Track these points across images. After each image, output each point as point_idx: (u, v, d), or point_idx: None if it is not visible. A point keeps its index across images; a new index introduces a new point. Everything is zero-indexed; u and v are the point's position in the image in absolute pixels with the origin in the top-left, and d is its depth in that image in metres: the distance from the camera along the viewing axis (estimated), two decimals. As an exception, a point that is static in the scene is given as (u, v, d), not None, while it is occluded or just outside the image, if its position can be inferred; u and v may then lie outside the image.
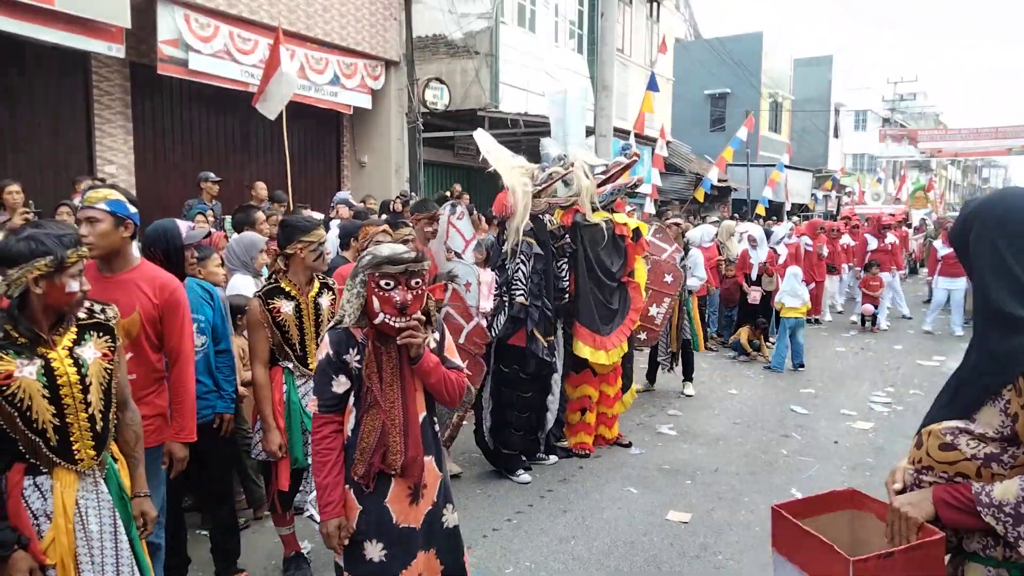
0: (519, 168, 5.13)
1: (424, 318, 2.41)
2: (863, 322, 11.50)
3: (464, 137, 12.80)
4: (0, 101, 8.32)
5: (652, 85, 13.67)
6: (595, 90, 10.48)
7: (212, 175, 8.14)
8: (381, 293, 2.31)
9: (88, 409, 2.21)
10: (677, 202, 19.40)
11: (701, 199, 17.29)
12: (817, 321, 11.67)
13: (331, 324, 2.45)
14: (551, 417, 5.32)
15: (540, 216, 5.16)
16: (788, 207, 26.33)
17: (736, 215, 20.62)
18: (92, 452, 2.23)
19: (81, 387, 2.19)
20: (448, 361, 2.50)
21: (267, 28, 9.98)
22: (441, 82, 12.48)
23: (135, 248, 3.01)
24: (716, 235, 10.12)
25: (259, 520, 4.24)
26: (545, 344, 4.99)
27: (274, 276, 3.46)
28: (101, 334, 2.31)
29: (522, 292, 4.90)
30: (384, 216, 7.76)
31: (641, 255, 5.70)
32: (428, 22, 13.04)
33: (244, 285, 4.50)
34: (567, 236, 5.30)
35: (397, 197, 10.24)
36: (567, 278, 5.30)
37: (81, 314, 2.28)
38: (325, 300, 3.48)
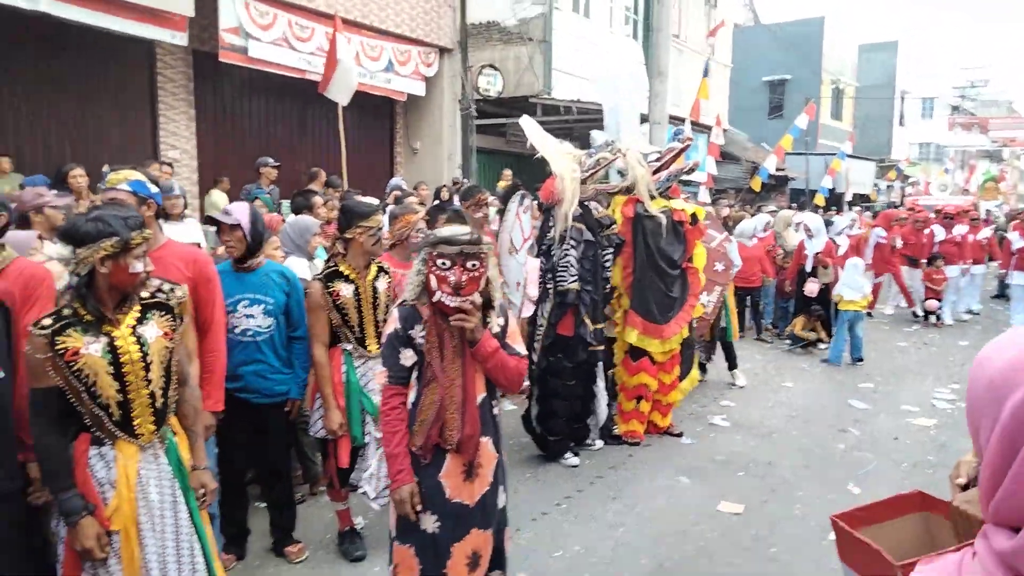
0: (567, 154, 5.09)
1: (479, 301, 2.43)
2: (926, 316, 11.10)
3: (516, 124, 12.74)
4: (69, 89, 8.63)
5: (707, 71, 13.41)
6: (650, 76, 10.31)
7: (271, 160, 8.31)
8: (438, 272, 2.36)
9: (149, 386, 2.28)
10: (732, 191, 19.00)
11: (758, 188, 16.86)
12: (916, 316, 11.27)
13: (399, 300, 2.52)
14: (602, 404, 5.30)
15: (586, 203, 5.12)
16: (849, 197, 25.52)
17: (794, 205, 20.11)
18: (152, 427, 2.31)
19: (143, 365, 2.27)
20: (510, 348, 2.52)
21: (324, 16, 10.11)
22: (494, 69, 12.47)
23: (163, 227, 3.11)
24: (768, 224, 9.86)
25: (315, 495, 4.33)
26: (593, 330, 4.95)
27: (333, 260, 3.51)
28: (163, 313, 2.37)
29: (573, 278, 4.87)
30: (436, 203, 7.80)
31: (700, 239, 5.62)
32: (482, 8, 13.03)
33: (298, 268, 4.58)
34: (614, 225, 5.25)
35: (444, 185, 10.28)
36: (611, 267, 5.27)
37: (144, 293, 2.35)
38: (382, 284, 3.53)
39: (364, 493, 3.47)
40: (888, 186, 30.45)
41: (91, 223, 2.20)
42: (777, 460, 5.18)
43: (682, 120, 12.73)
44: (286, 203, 7.62)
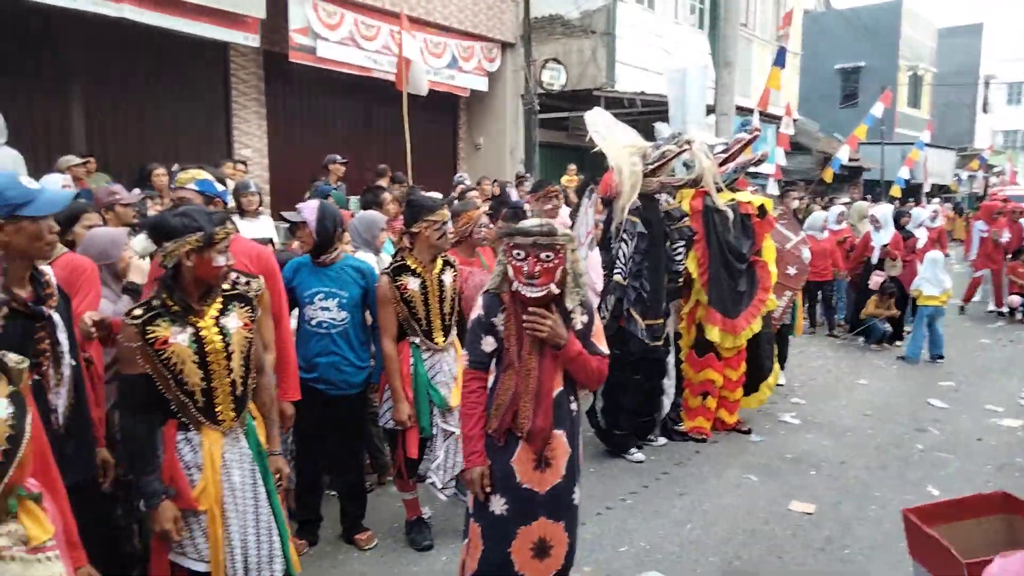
0: (630, 147, 5.00)
1: (554, 292, 2.46)
2: (1011, 312, 10.53)
3: (579, 118, 12.65)
4: (150, 91, 9.01)
5: (779, 60, 13.01)
6: (716, 67, 10.10)
7: (339, 157, 8.49)
8: (514, 262, 2.43)
9: (230, 375, 2.38)
10: (802, 183, 18.45)
11: (829, 180, 16.33)
12: (1000, 314, 10.68)
13: (485, 288, 2.61)
14: (667, 401, 5.24)
15: (655, 196, 5.04)
16: (927, 188, 24.47)
17: (868, 196, 19.39)
18: (233, 414, 2.40)
19: (225, 355, 2.36)
20: (593, 346, 2.55)
21: (389, 14, 10.28)
22: (558, 62, 12.42)
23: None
24: (843, 215, 9.53)
25: (382, 485, 4.41)
26: (643, 326, 4.86)
27: (400, 254, 3.57)
28: (243, 305, 2.46)
29: (619, 271, 4.83)
30: (497, 197, 7.84)
31: (769, 232, 5.47)
32: (545, 2, 12.99)
33: (367, 262, 4.68)
34: (686, 218, 5.15)
35: (496, 180, 10.28)
36: (683, 261, 5.15)
37: (225, 285, 2.45)
38: (448, 277, 3.56)
39: (432, 484, 3.52)
40: (970, 176, 28.98)
41: (178, 218, 2.32)
42: (851, 459, 5.02)
43: (750, 111, 12.43)
44: (354, 199, 7.79)
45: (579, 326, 2.52)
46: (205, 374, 2.32)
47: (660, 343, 5.01)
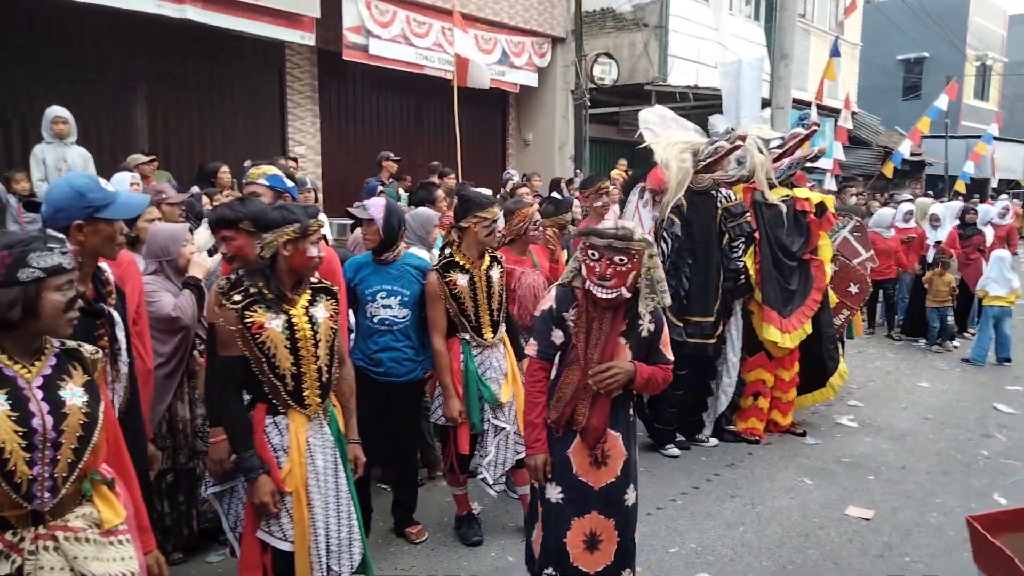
0: (680, 144, 4.93)
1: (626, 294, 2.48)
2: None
3: (629, 113, 12.56)
4: (207, 90, 9.27)
5: (834, 51, 12.66)
6: (772, 59, 9.87)
7: (391, 154, 8.58)
8: (588, 262, 2.48)
9: (317, 362, 2.50)
10: (861, 178, 17.92)
11: (890, 175, 15.83)
12: None
13: (559, 281, 2.66)
14: (724, 400, 5.18)
15: (712, 192, 4.95)
16: (994, 183, 23.50)
17: (930, 192, 18.72)
18: (318, 399, 2.52)
19: (313, 342, 2.49)
20: (660, 354, 2.59)
21: (441, 11, 10.34)
22: (609, 57, 12.31)
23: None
24: (909, 213, 9.21)
25: (432, 480, 4.45)
26: (679, 324, 4.77)
27: (449, 249, 3.58)
28: (328, 297, 2.60)
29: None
30: (552, 194, 7.81)
31: (828, 231, 5.31)
32: (596, -4, 12.89)
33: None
34: (746, 214, 5.02)
35: (548, 180, 10.24)
36: (741, 258, 5.01)
37: (312, 278, 2.58)
38: (496, 273, 3.57)
39: (483, 479, 3.54)
40: (1042, 170, 27.73)
41: (277, 211, 2.49)
42: (911, 464, 4.87)
43: (807, 104, 12.12)
44: (404, 195, 7.86)
45: (645, 333, 2.54)
46: (295, 359, 2.45)
47: (708, 341, 4.91)
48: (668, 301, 2.58)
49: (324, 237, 2.53)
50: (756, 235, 5.08)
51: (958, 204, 10.04)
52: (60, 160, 6.30)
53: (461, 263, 3.50)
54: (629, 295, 2.49)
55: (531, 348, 2.63)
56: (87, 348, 1.89)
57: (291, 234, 2.40)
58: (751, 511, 4.13)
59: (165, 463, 3.32)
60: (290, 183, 3.12)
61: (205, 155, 8.57)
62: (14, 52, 7.44)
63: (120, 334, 2.35)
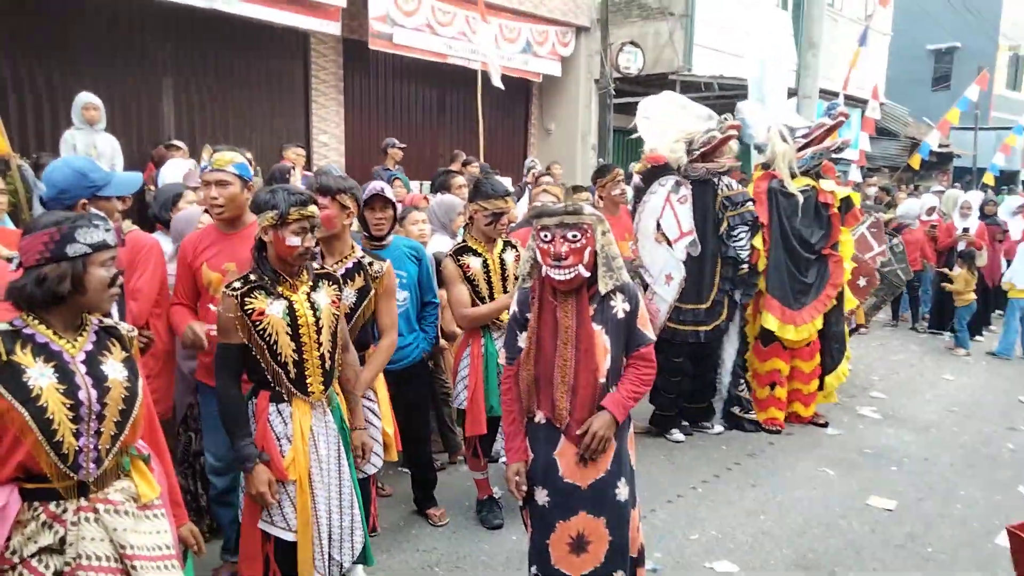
0: (673, 133, 4.92)
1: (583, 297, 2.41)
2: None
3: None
4: (233, 79, 9.35)
5: (862, 40, 12.48)
6: (800, 48, 9.74)
7: (396, 141, 8.56)
8: (542, 245, 2.39)
9: (320, 348, 2.48)
10: (887, 169, 17.67)
11: (917, 166, 15.55)
12: None
13: (518, 282, 2.58)
14: (720, 389, 5.24)
15: (711, 179, 4.93)
16: (1024, 176, 23.07)
17: (957, 184, 18.41)
18: (321, 387, 2.50)
19: (315, 328, 2.46)
20: (638, 334, 2.47)
21: (465, 0, 10.33)
22: (635, 45, 12.22)
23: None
24: (933, 208, 9.09)
25: (454, 464, 4.51)
26: (684, 311, 4.85)
27: (466, 231, 3.65)
28: (331, 283, 2.58)
29: None
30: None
31: (852, 226, 5.25)
32: (622, -15, 12.79)
33: (443, 245, 4.76)
34: (749, 203, 5.02)
35: (569, 169, 10.19)
36: (747, 246, 5.02)
37: (315, 264, 2.57)
38: (510, 256, 3.62)
39: (504, 463, 3.57)
40: (1075, 163, 27.15)
41: (262, 195, 2.44)
42: (935, 456, 4.83)
43: (835, 94, 11.97)
44: (414, 184, 7.88)
45: (621, 315, 2.43)
46: (297, 346, 2.42)
47: (700, 328, 4.92)
48: (626, 278, 2.46)
49: (312, 227, 2.41)
50: (765, 223, 5.07)
51: (979, 195, 9.88)
52: (90, 146, 6.41)
53: (473, 247, 3.57)
54: (588, 273, 2.38)
55: (502, 356, 2.55)
56: (124, 326, 1.95)
57: (269, 220, 2.36)
58: (772, 500, 4.13)
59: (198, 445, 3.39)
60: (251, 170, 3.02)
61: (229, 142, 8.58)
62: (46, 39, 7.56)
63: (115, 312, 2.38)
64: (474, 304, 3.55)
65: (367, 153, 10.65)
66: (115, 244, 1.86)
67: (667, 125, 5.02)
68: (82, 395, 1.75)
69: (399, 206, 4.55)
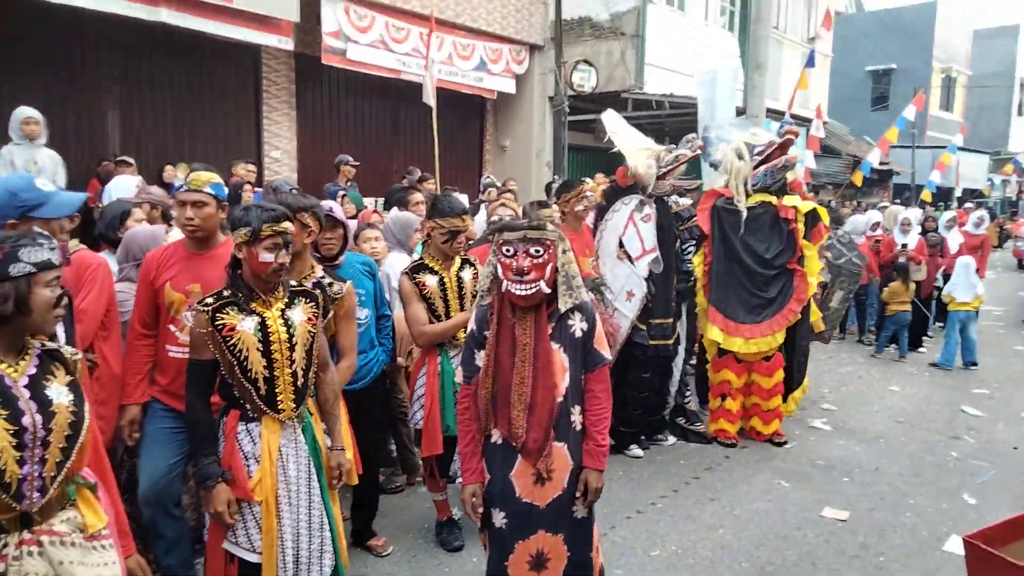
0: (645, 150, 5.03)
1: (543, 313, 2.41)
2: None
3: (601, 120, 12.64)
4: (183, 92, 9.16)
5: (810, 61, 12.89)
6: (747, 69, 10.01)
7: (350, 159, 8.46)
8: (503, 259, 2.37)
9: (292, 366, 2.43)
10: (831, 186, 18.24)
11: (859, 183, 16.13)
12: None
13: (477, 300, 2.55)
14: (670, 400, 5.32)
15: (664, 198, 5.06)
16: (959, 192, 24.07)
17: (897, 200, 19.12)
18: (292, 404, 2.45)
19: (288, 345, 2.42)
20: (595, 354, 2.47)
21: (419, 17, 10.34)
22: (588, 64, 12.40)
23: None
24: (877, 224, 9.40)
25: (412, 486, 4.43)
26: (642, 328, 4.90)
27: (424, 249, 3.64)
28: (308, 300, 2.54)
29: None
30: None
31: (818, 242, 5.32)
32: (574, 5, 12.98)
33: (399, 262, 4.71)
34: (693, 218, 5.25)
35: (526, 186, 10.25)
36: (691, 260, 5.26)
37: (292, 282, 2.54)
38: (467, 274, 3.60)
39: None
40: (1004, 181, 28.46)
41: (237, 212, 2.43)
42: (884, 467, 4.96)
43: (781, 114, 12.33)
44: (369, 200, 7.82)
45: (579, 333, 2.42)
46: (268, 363, 2.38)
47: (668, 342, 5.05)
48: (585, 297, 2.46)
49: (285, 243, 2.38)
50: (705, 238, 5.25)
51: (920, 211, 10.33)
52: (30, 162, 6.18)
53: (430, 265, 3.54)
54: (548, 290, 2.37)
55: (459, 375, 2.50)
56: (67, 349, 1.88)
57: (242, 237, 2.36)
58: (730, 513, 4.17)
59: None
60: (225, 190, 2.98)
61: (177, 159, 8.44)
62: (-17, 52, 7.31)
63: (61, 334, 2.30)
64: (431, 323, 3.52)
65: (320, 169, 10.53)
66: (60, 263, 1.79)
67: (636, 140, 5.10)
68: (26, 420, 1.67)
69: (352, 223, 4.52)
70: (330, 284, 3.00)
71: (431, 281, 3.51)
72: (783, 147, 5.20)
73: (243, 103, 9.80)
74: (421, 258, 3.61)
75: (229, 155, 9.20)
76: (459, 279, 3.56)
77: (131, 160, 6.80)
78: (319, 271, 3.06)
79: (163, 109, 8.99)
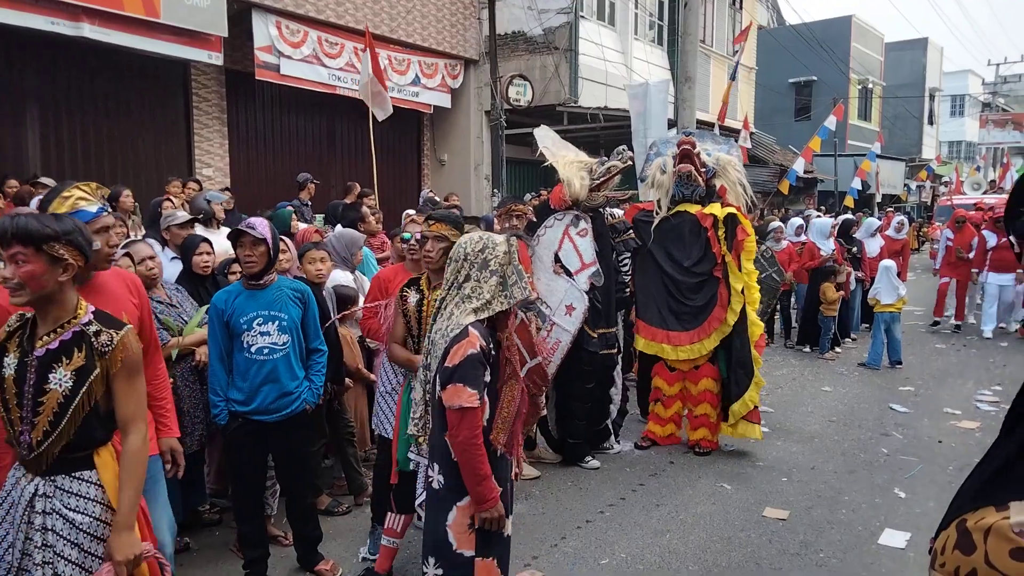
0: (577, 163, 5.11)
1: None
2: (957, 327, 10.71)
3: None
4: (108, 109, 8.86)
5: (733, 74, 13.38)
6: (677, 82, 10.31)
7: (311, 176, 8.39)
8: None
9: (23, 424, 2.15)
10: (759, 194, 18.84)
11: (786, 191, 16.78)
12: (958, 327, 10.57)
13: (475, 318, 2.40)
14: (614, 408, 5.40)
15: (600, 210, 5.14)
16: (879, 198, 25.23)
17: (822, 207, 19.91)
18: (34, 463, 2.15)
19: (16, 401, 2.12)
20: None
21: (352, 32, 10.28)
22: (524, 78, 12.54)
23: None
24: (800, 228, 9.79)
25: (359, 506, 4.37)
26: (594, 336, 4.97)
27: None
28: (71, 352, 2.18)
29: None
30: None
31: (740, 247, 5.33)
32: (508, 20, 13.12)
33: (343, 280, 4.66)
34: (631, 231, 5.40)
35: (465, 199, 10.29)
36: (629, 272, 5.40)
37: (85, 321, 2.21)
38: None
39: (419, 518, 3.31)
40: (919, 186, 30.00)
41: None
42: (820, 465, 5.14)
43: (710, 125, 12.71)
44: (319, 216, 7.73)
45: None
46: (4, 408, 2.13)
47: (613, 351, 5.18)
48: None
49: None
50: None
51: (841, 217, 10.82)
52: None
53: (420, 283, 3.38)
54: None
55: (471, 398, 2.27)
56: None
57: None
58: (676, 518, 4.26)
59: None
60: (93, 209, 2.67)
61: (104, 178, 8.17)
62: None
63: None
64: (406, 341, 3.39)
65: (257, 185, 10.34)
66: None
67: (567, 153, 5.17)
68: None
69: (290, 242, 4.39)
70: (97, 333, 2.15)
71: (412, 299, 3.34)
72: (620, 172, 5.15)
73: (173, 120, 9.55)
74: (424, 273, 3.41)
75: (160, 174, 8.94)
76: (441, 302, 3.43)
77: (48, 181, 6.49)
78: (86, 316, 2.19)
79: (87, 127, 8.68)
